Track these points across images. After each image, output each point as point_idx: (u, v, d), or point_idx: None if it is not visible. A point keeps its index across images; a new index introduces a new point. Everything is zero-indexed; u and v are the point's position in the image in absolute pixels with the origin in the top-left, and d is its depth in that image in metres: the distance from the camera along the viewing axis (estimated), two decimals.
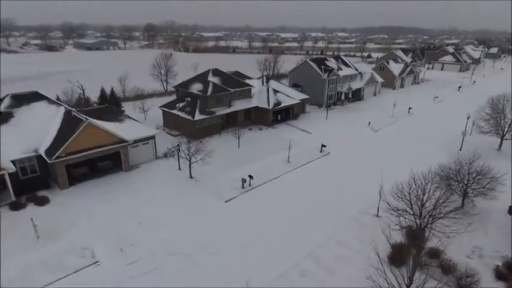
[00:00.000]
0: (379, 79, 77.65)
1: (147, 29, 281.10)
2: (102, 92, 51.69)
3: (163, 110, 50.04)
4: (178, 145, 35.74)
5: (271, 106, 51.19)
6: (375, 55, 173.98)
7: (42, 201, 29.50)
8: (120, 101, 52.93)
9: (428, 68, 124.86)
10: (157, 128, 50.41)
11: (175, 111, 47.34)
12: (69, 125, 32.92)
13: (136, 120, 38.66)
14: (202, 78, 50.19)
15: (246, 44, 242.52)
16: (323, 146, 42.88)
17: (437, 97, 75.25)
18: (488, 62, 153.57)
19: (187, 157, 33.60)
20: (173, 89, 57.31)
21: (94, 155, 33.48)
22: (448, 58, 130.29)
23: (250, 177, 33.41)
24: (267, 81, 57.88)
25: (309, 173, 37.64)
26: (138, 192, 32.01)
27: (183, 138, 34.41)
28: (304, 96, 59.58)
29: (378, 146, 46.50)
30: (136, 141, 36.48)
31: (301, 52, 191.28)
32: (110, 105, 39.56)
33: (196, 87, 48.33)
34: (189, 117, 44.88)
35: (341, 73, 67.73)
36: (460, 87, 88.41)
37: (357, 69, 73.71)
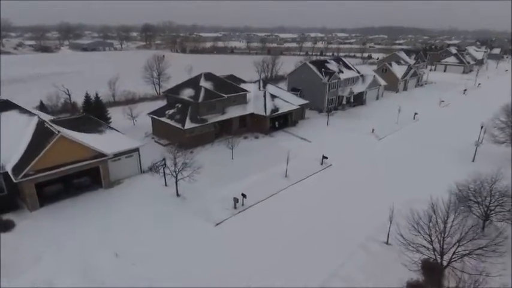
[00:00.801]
0: (382, 82, 74.19)
1: (144, 30, 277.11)
2: (87, 97, 48.12)
3: (152, 118, 46.53)
4: (163, 159, 32.23)
5: (268, 113, 47.68)
6: (375, 56, 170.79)
7: (6, 227, 25.98)
8: (105, 107, 49.39)
9: (430, 70, 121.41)
10: (146, 136, 47.07)
11: (164, 119, 43.86)
12: (40, 138, 29.40)
13: (118, 131, 35.11)
14: (193, 83, 46.65)
15: (244, 45, 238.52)
16: (324, 157, 39.38)
17: (443, 101, 71.78)
18: (492, 63, 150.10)
19: (173, 174, 30.10)
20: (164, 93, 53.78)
21: (69, 171, 29.97)
22: (451, 59, 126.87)
23: (244, 196, 29.90)
24: (264, 86, 54.39)
25: (308, 189, 34.12)
26: (117, 214, 28.47)
27: (172, 148, 31.02)
28: (304, 102, 56.12)
29: (384, 156, 43.00)
30: (118, 155, 32.96)
31: (301, 53, 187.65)
32: (89, 115, 35.98)
33: (187, 93, 44.80)
34: (179, 126, 41.38)
35: (342, 76, 64.24)
36: (465, 90, 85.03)
37: (358, 72, 70.23)
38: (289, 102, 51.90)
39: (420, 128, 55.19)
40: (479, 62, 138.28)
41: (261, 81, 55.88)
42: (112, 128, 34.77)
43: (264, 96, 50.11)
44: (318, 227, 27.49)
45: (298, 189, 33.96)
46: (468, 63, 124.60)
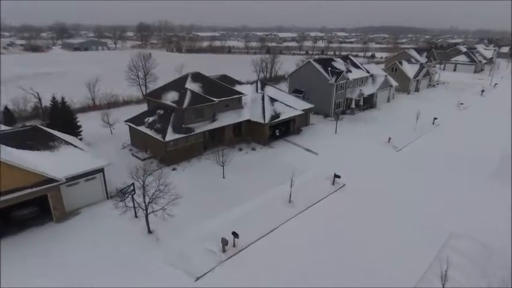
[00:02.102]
0: (394, 82, 66.96)
1: (139, 29, 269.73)
2: (54, 101, 40.87)
3: (129, 126, 39.32)
4: (132, 184, 24.96)
5: (267, 119, 40.45)
6: (378, 55, 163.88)
7: None
8: (74, 114, 42.12)
9: (439, 69, 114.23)
10: (123, 148, 39.94)
11: (142, 128, 36.61)
12: None
13: (77, 147, 27.72)
14: (178, 85, 39.35)
15: (243, 44, 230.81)
16: (336, 176, 32.10)
17: (462, 103, 64.62)
18: (502, 62, 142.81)
19: (142, 207, 22.86)
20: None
21: (5, 204, 22.70)
22: (461, 58, 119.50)
23: (235, 235, 22.64)
24: (262, 87, 47.15)
25: (318, 220, 26.83)
26: (65, 261, 21.25)
27: (140, 171, 23.94)
28: (308, 105, 48.82)
29: (406, 172, 35.72)
30: (74, 178, 25.71)
31: (300, 52, 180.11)
32: (38, 126, 28.63)
33: (170, 97, 37.55)
34: (159, 137, 34.13)
35: (351, 76, 56.97)
36: (483, 90, 77.88)
37: (368, 72, 63.00)
38: (291, 106, 44.64)
39: (442, 135, 47.95)
40: (490, 61, 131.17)
41: (259, 82, 48.62)
42: (69, 143, 27.39)
43: (263, 99, 42.93)
44: (333, 281, 20.27)
45: (306, 220, 26.71)
46: (480, 62, 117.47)
